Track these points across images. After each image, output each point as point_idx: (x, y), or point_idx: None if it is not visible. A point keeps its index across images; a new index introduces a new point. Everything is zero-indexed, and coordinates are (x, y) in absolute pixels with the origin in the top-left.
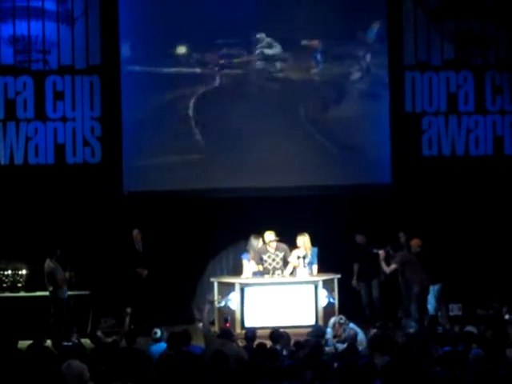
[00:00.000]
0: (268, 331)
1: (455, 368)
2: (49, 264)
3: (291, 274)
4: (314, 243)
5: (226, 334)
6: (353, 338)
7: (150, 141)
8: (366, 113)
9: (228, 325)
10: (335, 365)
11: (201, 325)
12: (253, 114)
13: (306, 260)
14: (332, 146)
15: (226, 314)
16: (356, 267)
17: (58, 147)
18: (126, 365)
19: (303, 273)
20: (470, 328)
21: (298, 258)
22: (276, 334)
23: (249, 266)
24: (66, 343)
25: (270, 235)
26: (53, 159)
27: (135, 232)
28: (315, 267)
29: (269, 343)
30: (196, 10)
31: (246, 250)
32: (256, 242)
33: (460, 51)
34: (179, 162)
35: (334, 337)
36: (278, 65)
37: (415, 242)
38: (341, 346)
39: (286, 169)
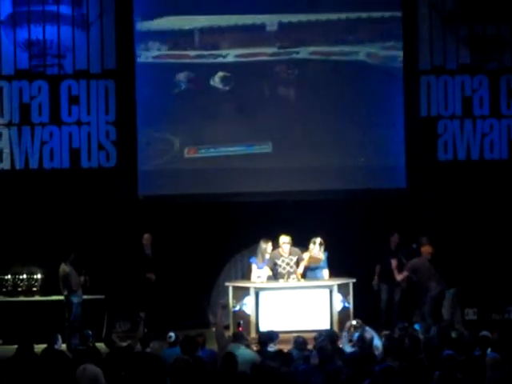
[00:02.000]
0: (284, 335)
1: (456, 372)
2: (64, 268)
3: (303, 276)
4: (326, 248)
5: (239, 338)
6: (368, 343)
7: (165, 145)
8: (381, 117)
9: (241, 329)
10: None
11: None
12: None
13: (322, 248)
14: (347, 150)
15: (240, 319)
16: (378, 268)
17: (73, 151)
18: (140, 369)
19: (317, 253)
20: (484, 333)
21: (314, 243)
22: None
23: (257, 270)
24: (80, 347)
25: (284, 237)
26: (68, 163)
27: (146, 236)
28: (326, 272)
29: (284, 347)
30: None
31: (255, 255)
32: (265, 246)
33: (475, 55)
34: (194, 166)
35: (350, 341)
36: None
37: (426, 249)
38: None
39: (300, 173)
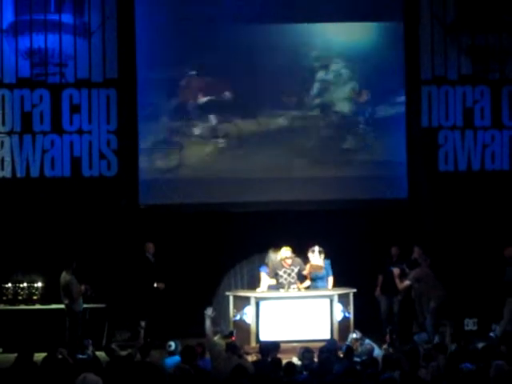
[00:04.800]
0: (285, 345)
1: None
2: (65, 277)
3: (307, 288)
4: (327, 257)
5: (232, 348)
6: (369, 353)
7: (167, 154)
8: (382, 127)
9: (234, 338)
10: None
11: (216, 338)
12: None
13: (322, 256)
14: (348, 160)
15: (240, 328)
16: (380, 279)
17: (75, 160)
18: (140, 378)
19: (317, 260)
20: (480, 345)
21: (313, 252)
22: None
23: (266, 278)
24: (80, 356)
25: (286, 252)
26: (69, 172)
27: (149, 245)
28: (330, 279)
29: (284, 357)
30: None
31: (265, 263)
32: (274, 256)
33: (477, 66)
34: (195, 175)
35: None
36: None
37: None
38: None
39: (302, 183)
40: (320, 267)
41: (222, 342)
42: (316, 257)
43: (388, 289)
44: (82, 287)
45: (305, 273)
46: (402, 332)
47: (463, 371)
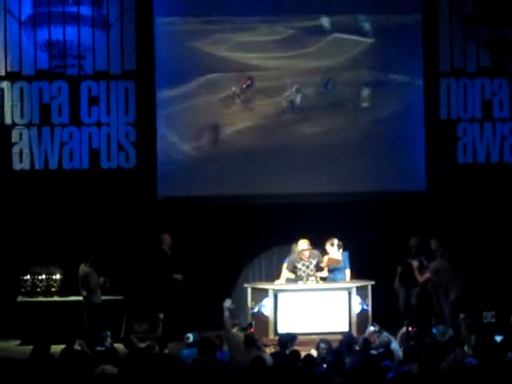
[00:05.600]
0: (303, 337)
1: None
2: (83, 269)
3: (324, 279)
4: (346, 249)
5: (251, 340)
6: (386, 345)
7: (185, 146)
8: (400, 119)
9: (252, 330)
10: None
11: (235, 330)
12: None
13: (340, 250)
14: (367, 152)
15: (258, 320)
16: (399, 269)
17: (93, 152)
18: (158, 370)
19: (336, 254)
20: (497, 337)
21: (332, 245)
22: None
23: (286, 271)
24: (99, 348)
25: (303, 244)
26: (87, 164)
27: (165, 236)
28: (348, 272)
29: (302, 349)
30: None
31: (289, 256)
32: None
33: (496, 58)
34: (213, 167)
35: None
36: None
37: None
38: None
39: (320, 175)
40: (338, 261)
41: (241, 334)
42: (335, 250)
43: (406, 280)
44: (101, 279)
45: (322, 265)
46: (419, 325)
47: (467, 367)
